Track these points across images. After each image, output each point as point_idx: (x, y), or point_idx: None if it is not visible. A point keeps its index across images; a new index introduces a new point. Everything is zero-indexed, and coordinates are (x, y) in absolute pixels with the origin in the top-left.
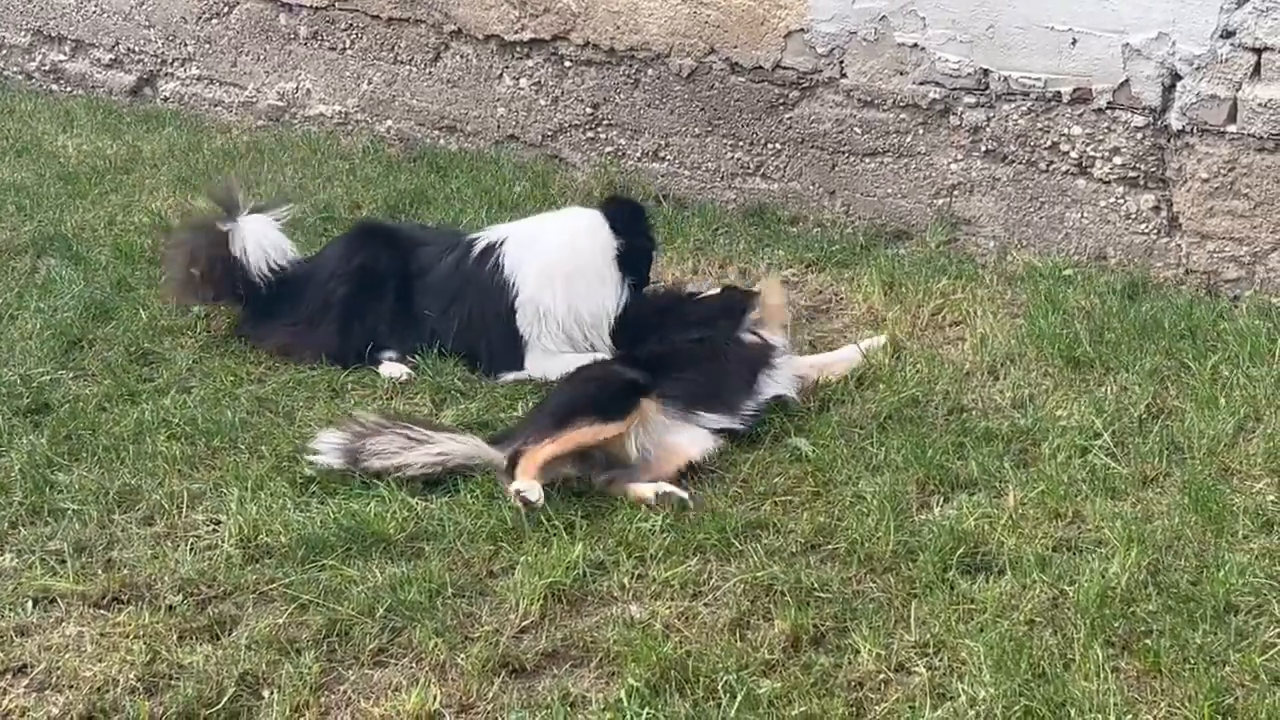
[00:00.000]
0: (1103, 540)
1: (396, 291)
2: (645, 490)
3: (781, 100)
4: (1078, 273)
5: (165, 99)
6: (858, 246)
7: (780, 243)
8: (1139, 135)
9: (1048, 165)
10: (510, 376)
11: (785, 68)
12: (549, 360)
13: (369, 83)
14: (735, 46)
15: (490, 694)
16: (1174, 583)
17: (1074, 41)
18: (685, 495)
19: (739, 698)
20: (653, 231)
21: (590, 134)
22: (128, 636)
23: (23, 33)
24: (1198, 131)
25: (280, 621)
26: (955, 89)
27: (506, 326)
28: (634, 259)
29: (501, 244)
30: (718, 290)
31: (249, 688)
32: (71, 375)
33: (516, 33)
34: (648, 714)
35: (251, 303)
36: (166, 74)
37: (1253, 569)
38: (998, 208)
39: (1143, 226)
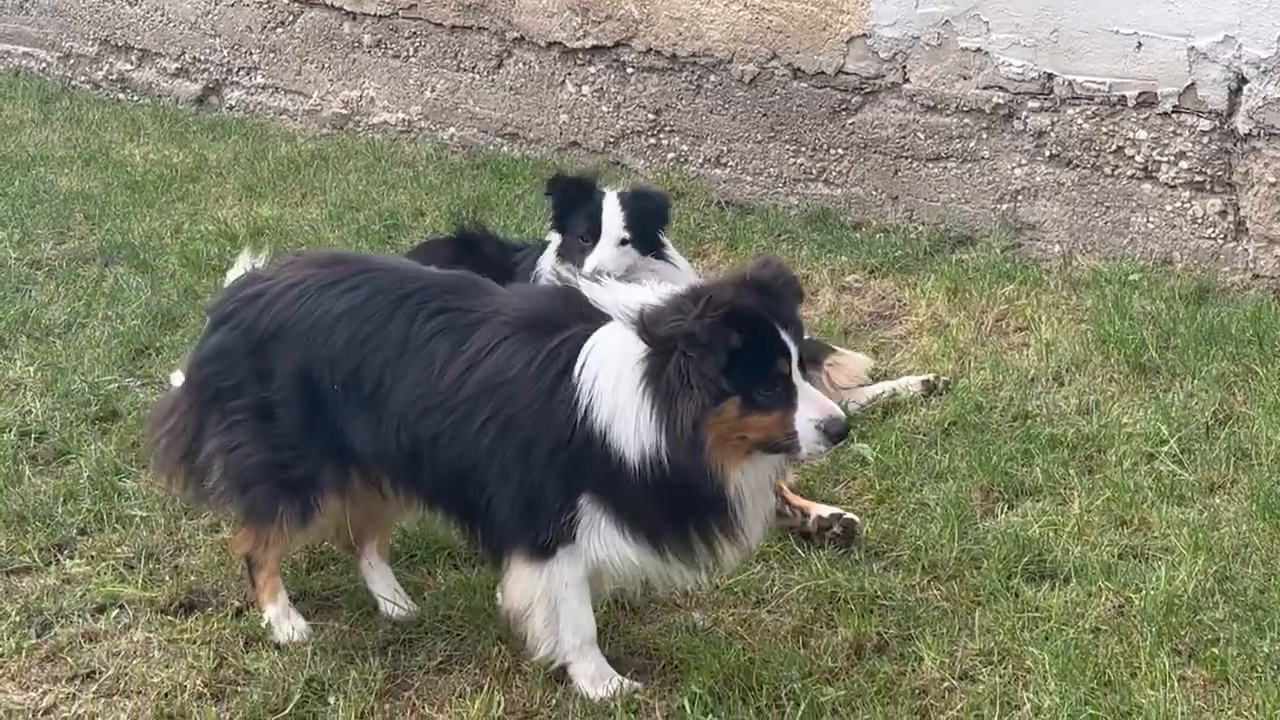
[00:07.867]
0: (1169, 547)
1: None
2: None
3: (844, 105)
4: (1143, 278)
5: (230, 107)
6: (921, 252)
7: (843, 249)
8: (1205, 139)
9: (1113, 169)
10: None
11: (847, 73)
12: None
13: (432, 90)
14: (797, 52)
15: (554, 701)
16: (1241, 590)
17: (1139, 45)
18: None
19: (802, 705)
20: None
21: (652, 140)
22: (195, 643)
23: (90, 43)
24: (1265, 135)
25: (345, 628)
26: (1019, 93)
27: None
28: None
29: None
30: None
31: (315, 693)
32: (139, 383)
33: (579, 40)
34: None
35: None
36: (232, 83)
37: None
38: (1062, 212)
39: (1209, 231)
